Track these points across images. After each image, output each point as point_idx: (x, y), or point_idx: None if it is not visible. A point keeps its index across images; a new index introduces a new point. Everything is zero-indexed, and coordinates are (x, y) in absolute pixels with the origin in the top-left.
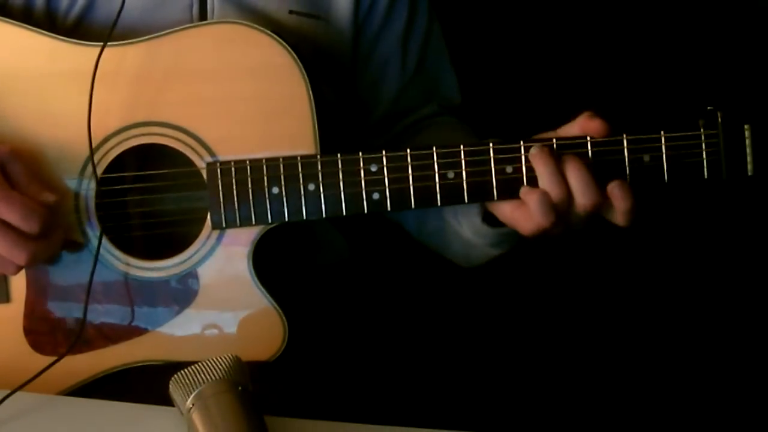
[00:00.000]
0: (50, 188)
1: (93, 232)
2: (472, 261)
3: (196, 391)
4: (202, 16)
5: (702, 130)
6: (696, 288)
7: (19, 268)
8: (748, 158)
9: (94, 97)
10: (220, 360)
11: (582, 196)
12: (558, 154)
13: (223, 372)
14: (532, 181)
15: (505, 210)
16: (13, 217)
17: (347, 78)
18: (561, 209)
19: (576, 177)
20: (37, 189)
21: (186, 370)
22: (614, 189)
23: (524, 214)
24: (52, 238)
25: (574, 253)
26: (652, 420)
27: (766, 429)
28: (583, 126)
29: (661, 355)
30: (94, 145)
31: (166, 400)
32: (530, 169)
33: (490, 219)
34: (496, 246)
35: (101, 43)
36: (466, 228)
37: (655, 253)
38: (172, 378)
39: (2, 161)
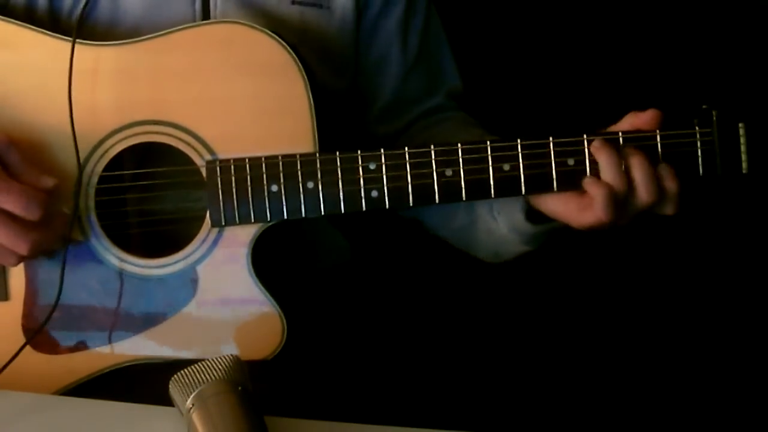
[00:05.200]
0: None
1: (92, 230)
2: (500, 257)
3: (196, 391)
4: (205, 10)
5: (697, 128)
6: (692, 286)
7: (20, 259)
8: (743, 156)
9: (93, 96)
10: (220, 360)
11: (645, 191)
12: (559, 152)
13: (223, 372)
14: (531, 179)
15: (556, 204)
16: (13, 206)
17: (352, 67)
18: (620, 203)
19: (641, 171)
20: (36, 175)
21: (186, 370)
22: (663, 170)
23: (580, 205)
24: (53, 227)
25: (573, 253)
26: (652, 420)
27: (766, 429)
28: (631, 122)
29: (660, 353)
30: (93, 144)
31: (166, 400)
32: (527, 167)
33: (532, 215)
34: (529, 243)
35: (104, 42)
36: (502, 224)
37: (651, 252)
38: (172, 378)
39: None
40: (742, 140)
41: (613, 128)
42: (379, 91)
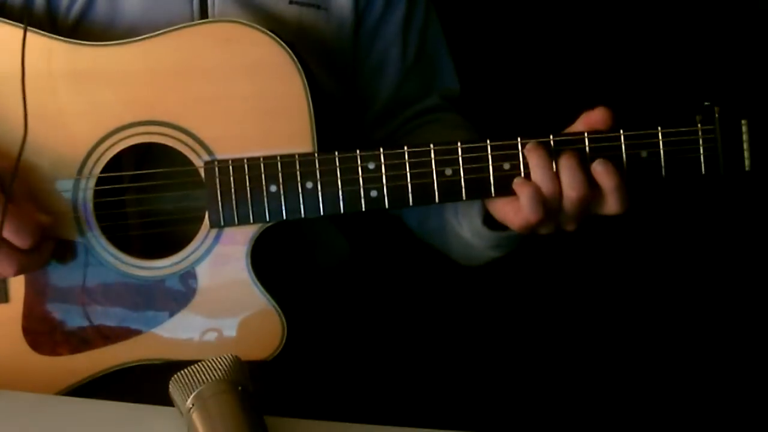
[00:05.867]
0: (47, 187)
1: (91, 232)
2: (472, 261)
3: (196, 391)
4: (203, 10)
5: (699, 125)
6: (694, 284)
7: (4, 278)
8: (746, 154)
9: (91, 97)
10: (220, 360)
11: (570, 188)
12: (555, 151)
13: (223, 372)
14: (530, 178)
15: (498, 204)
16: (5, 230)
17: (349, 70)
18: (551, 205)
19: (566, 169)
20: (33, 209)
21: (186, 370)
22: (597, 166)
23: (514, 208)
24: (42, 252)
25: (573, 253)
26: (652, 420)
27: (766, 429)
28: (586, 121)
29: (660, 353)
30: (92, 145)
31: (166, 400)
32: (528, 166)
33: (490, 221)
34: (495, 248)
35: (102, 43)
36: (466, 229)
37: (653, 250)
38: (172, 378)
39: (1, 176)
40: (744, 137)
41: (569, 129)
42: (376, 96)
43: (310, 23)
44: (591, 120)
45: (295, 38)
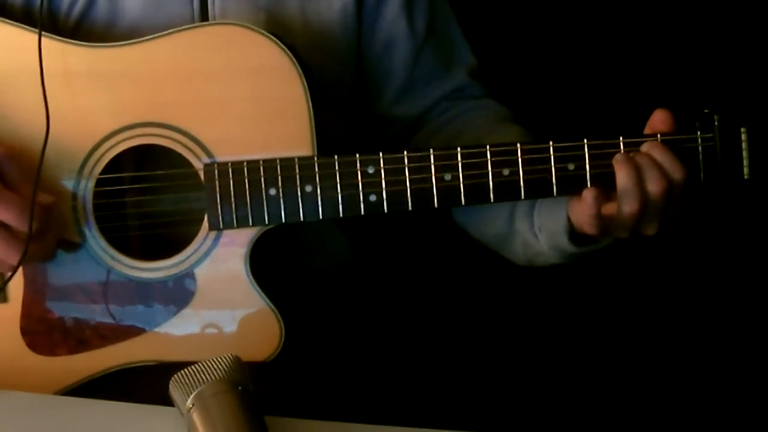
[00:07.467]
0: (47, 188)
1: (90, 233)
2: (534, 265)
3: (196, 391)
4: (203, 10)
5: (698, 133)
6: (694, 291)
7: (12, 267)
8: (745, 161)
9: (90, 98)
10: (220, 360)
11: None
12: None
13: (223, 372)
14: (530, 184)
15: (581, 213)
16: (8, 216)
17: (354, 55)
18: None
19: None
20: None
21: (186, 370)
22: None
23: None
24: (47, 238)
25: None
26: (652, 420)
27: (766, 429)
28: (649, 124)
29: (660, 357)
30: (91, 146)
31: (166, 400)
32: (527, 172)
33: (574, 237)
34: (568, 259)
35: (102, 45)
36: (543, 242)
37: (652, 256)
38: (172, 378)
39: None
40: (744, 145)
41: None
42: (391, 73)
43: (314, 11)
44: (652, 123)
45: (299, 28)
